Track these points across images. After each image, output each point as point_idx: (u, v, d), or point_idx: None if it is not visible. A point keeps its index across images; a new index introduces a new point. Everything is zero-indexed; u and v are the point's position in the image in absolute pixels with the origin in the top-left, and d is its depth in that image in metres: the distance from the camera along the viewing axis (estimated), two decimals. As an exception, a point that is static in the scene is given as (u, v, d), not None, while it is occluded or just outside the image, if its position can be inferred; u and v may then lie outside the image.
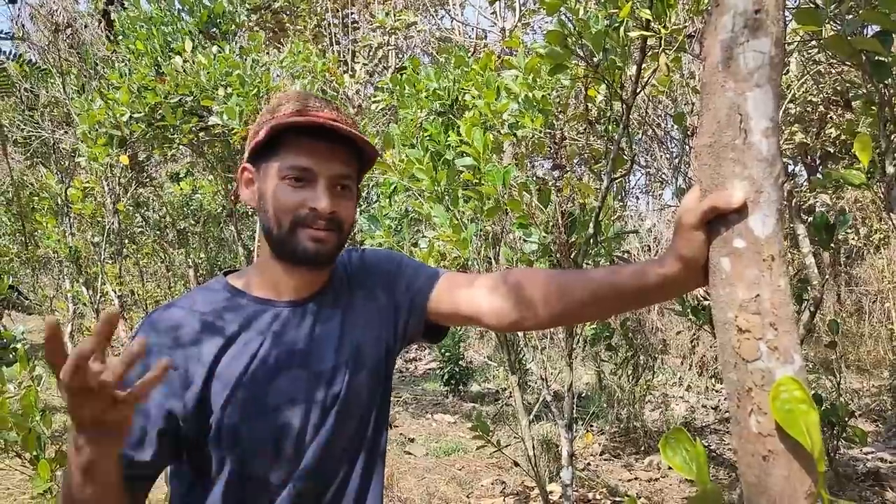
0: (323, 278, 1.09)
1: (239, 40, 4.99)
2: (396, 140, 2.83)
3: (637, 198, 10.46)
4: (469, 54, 3.19)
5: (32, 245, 7.73)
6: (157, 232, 7.69)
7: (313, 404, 1.01)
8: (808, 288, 2.24)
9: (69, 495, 0.87)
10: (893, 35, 1.23)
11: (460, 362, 6.27)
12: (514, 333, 2.98)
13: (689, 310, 2.37)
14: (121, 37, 4.59)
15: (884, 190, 1.75)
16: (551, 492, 3.41)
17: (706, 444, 4.44)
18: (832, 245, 1.92)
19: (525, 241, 2.34)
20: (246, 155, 1.07)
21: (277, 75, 4.67)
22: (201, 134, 4.60)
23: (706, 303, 2.60)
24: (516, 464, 2.95)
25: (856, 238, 6.85)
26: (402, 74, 3.40)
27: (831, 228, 1.88)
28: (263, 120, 1.03)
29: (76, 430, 0.80)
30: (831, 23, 1.38)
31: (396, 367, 6.79)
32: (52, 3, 6.68)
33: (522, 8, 6.79)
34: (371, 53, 8.69)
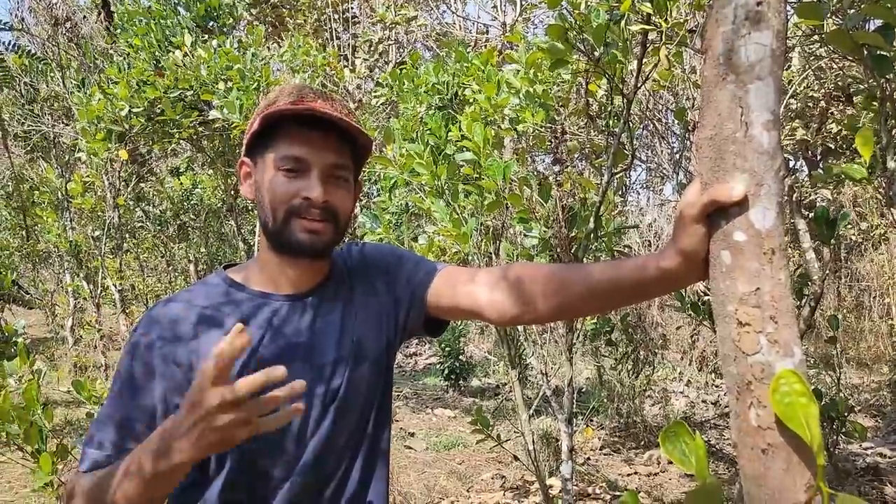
0: (322, 272, 1.09)
1: (237, 34, 4.98)
2: (397, 134, 2.83)
3: (638, 193, 10.45)
4: (470, 49, 3.18)
5: (33, 239, 7.74)
6: (158, 226, 7.69)
7: (314, 398, 1.01)
8: (809, 283, 2.23)
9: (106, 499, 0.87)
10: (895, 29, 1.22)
11: (460, 357, 6.28)
12: (514, 328, 2.98)
13: (688, 305, 2.37)
14: (120, 31, 4.58)
15: (885, 185, 1.75)
16: (551, 486, 3.42)
17: (706, 439, 4.45)
18: (833, 240, 1.91)
19: (525, 235, 2.34)
20: (243, 149, 1.07)
21: (277, 69, 4.66)
22: (201, 128, 4.60)
23: (706, 298, 2.60)
24: (516, 458, 2.95)
25: (856, 233, 6.85)
26: (401, 69, 3.39)
27: (832, 223, 1.87)
28: (258, 112, 1.03)
29: (188, 443, 0.79)
30: (833, 17, 1.38)
31: (396, 361, 6.80)
32: (51, -4, 6.67)
33: (523, 2, 6.77)
34: (371, 48, 8.67)
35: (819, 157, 5.41)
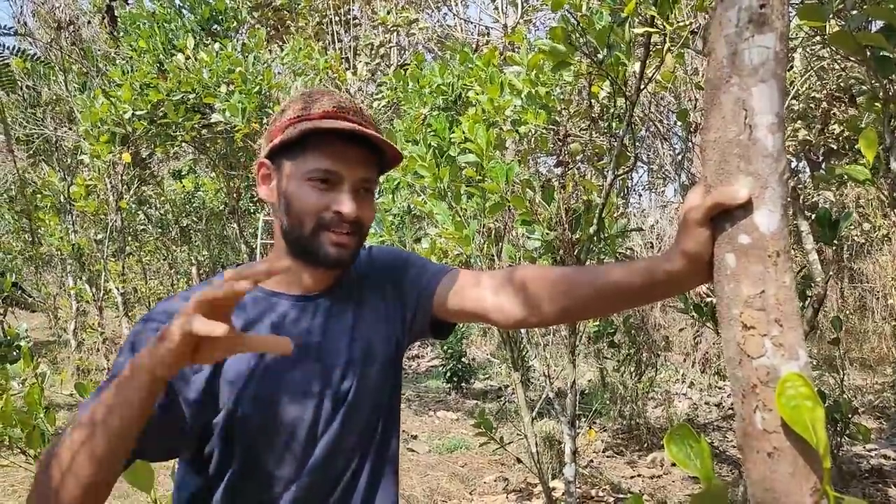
0: (333, 275, 1.09)
1: (241, 37, 4.99)
2: (399, 136, 2.83)
3: (640, 195, 10.45)
4: (472, 51, 3.18)
5: (36, 242, 7.75)
6: (160, 229, 7.70)
7: (324, 399, 1.01)
8: (812, 285, 2.23)
9: (66, 453, 0.79)
10: (898, 30, 1.22)
11: (463, 359, 6.28)
12: (516, 331, 2.98)
13: (691, 307, 2.37)
14: (123, 34, 4.60)
15: (888, 186, 1.75)
16: (554, 488, 3.41)
17: (709, 441, 4.44)
18: (835, 242, 1.91)
19: (528, 238, 2.34)
20: (265, 150, 1.05)
21: (279, 72, 4.67)
22: (203, 131, 4.61)
23: (709, 300, 2.60)
24: (519, 461, 2.95)
25: (859, 234, 6.84)
26: (405, 70, 3.40)
27: (835, 224, 1.87)
28: (290, 118, 1.01)
29: (148, 361, 0.75)
30: (835, 18, 1.37)
31: (399, 364, 6.78)
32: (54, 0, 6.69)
33: (525, 4, 6.78)
34: (373, 51, 8.68)
35: (821, 158, 5.41)
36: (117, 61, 5.07)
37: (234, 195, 6.07)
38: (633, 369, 4.90)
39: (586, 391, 5.80)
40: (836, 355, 4.89)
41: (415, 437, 4.93)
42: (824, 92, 4.02)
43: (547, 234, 2.29)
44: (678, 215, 0.83)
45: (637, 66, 2.02)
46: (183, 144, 5.12)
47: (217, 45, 4.24)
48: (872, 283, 7.09)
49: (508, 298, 1.02)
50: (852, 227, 6.49)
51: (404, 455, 4.47)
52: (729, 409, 5.25)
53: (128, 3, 4.99)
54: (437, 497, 3.78)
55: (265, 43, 4.65)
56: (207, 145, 5.18)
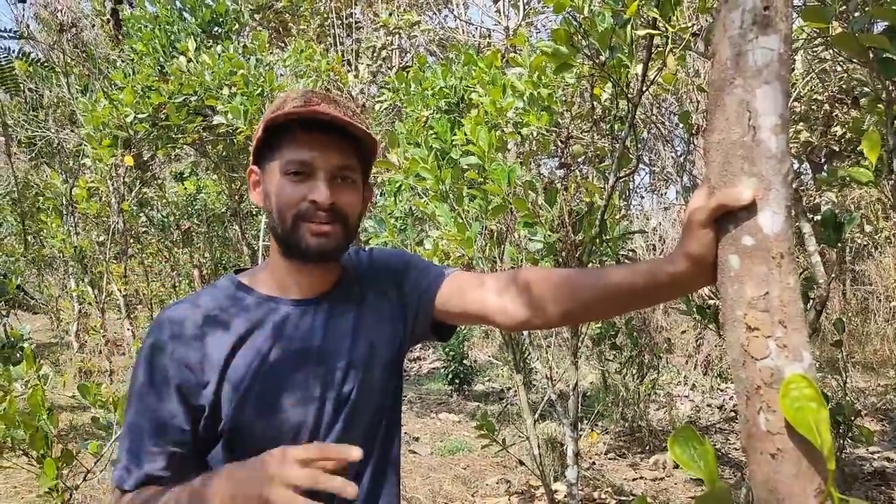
0: (333, 276, 1.09)
1: (242, 40, 5.00)
2: (401, 139, 2.83)
3: (642, 197, 10.45)
4: (476, 53, 3.19)
5: (38, 245, 7.76)
6: (162, 231, 7.70)
7: (326, 402, 1.01)
8: (814, 287, 2.23)
9: None
10: (901, 32, 1.22)
11: (464, 361, 6.27)
12: (518, 332, 2.97)
13: (694, 308, 2.37)
14: (125, 37, 4.61)
15: (890, 188, 1.75)
16: (556, 491, 3.41)
17: (711, 444, 4.43)
18: (838, 244, 1.91)
19: (530, 239, 2.34)
20: (251, 157, 1.07)
21: (281, 74, 4.68)
22: (205, 133, 4.61)
23: (711, 302, 2.60)
24: (521, 463, 2.95)
25: (861, 236, 6.83)
26: (407, 72, 3.40)
27: (839, 226, 1.87)
28: (263, 120, 1.03)
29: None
30: (838, 20, 1.38)
31: (401, 366, 6.76)
32: (56, 2, 6.70)
33: (526, 7, 6.79)
34: (375, 54, 8.68)
35: (823, 160, 5.41)
36: (118, 64, 5.08)
37: (236, 197, 6.07)
38: (635, 371, 4.90)
39: (588, 393, 5.79)
40: (839, 357, 4.88)
41: (416, 440, 4.93)
42: (826, 94, 4.01)
43: (549, 236, 2.29)
44: (682, 217, 0.83)
45: (639, 69, 2.02)
46: (185, 147, 5.13)
47: (219, 48, 4.25)
48: (875, 285, 7.08)
49: (512, 300, 1.02)
50: (855, 229, 6.47)
51: (406, 457, 4.46)
52: (731, 411, 5.24)
53: (131, 6, 5.00)
54: (439, 499, 3.78)
55: (267, 45, 4.66)
56: (209, 148, 5.19)
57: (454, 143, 2.63)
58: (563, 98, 2.76)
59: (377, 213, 2.77)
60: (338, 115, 0.98)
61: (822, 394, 0.64)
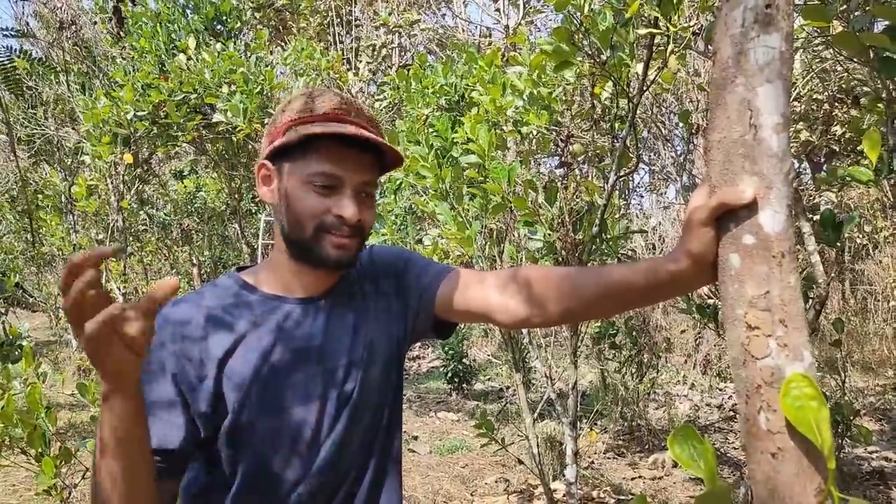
0: (335, 276, 1.09)
1: (244, 38, 4.99)
2: (401, 137, 2.83)
3: (641, 196, 10.45)
4: (477, 52, 3.18)
5: (38, 243, 7.76)
6: (162, 230, 7.70)
7: (327, 401, 1.01)
8: (814, 286, 2.23)
9: (99, 481, 0.81)
10: (902, 31, 1.22)
11: (464, 360, 6.27)
12: (518, 331, 2.97)
13: (694, 307, 2.36)
14: (126, 34, 4.61)
15: (891, 187, 1.75)
16: (555, 490, 3.41)
17: (710, 443, 4.43)
18: (838, 243, 1.90)
19: (530, 238, 2.34)
20: (265, 152, 1.04)
21: (281, 73, 4.67)
22: (205, 132, 4.61)
23: (711, 301, 2.60)
24: (520, 462, 2.95)
25: (861, 236, 6.83)
26: (408, 70, 3.40)
27: (838, 226, 1.87)
28: (291, 119, 1.01)
29: (103, 384, 0.76)
30: (839, 19, 1.37)
31: (400, 364, 6.77)
32: (56, 0, 6.69)
33: (526, 6, 6.78)
34: (374, 52, 8.68)
35: (823, 160, 5.41)
36: (118, 61, 5.07)
37: (236, 195, 6.07)
38: (634, 371, 4.90)
39: (587, 392, 5.80)
40: (838, 357, 4.88)
41: (416, 438, 4.93)
42: (826, 93, 4.01)
43: (549, 234, 2.29)
44: (682, 216, 0.83)
45: (640, 68, 2.02)
46: (184, 145, 5.12)
47: (219, 46, 4.25)
48: (874, 284, 7.08)
49: (513, 298, 1.02)
50: (854, 228, 6.48)
51: (405, 455, 4.46)
52: (730, 410, 5.24)
53: (133, 4, 5.00)
54: (438, 498, 3.78)
55: (267, 44, 4.65)
56: (209, 146, 5.19)
57: (455, 141, 2.63)
58: (564, 97, 2.76)
59: (377, 211, 2.76)
60: (373, 135, 0.99)
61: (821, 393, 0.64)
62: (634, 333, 4.82)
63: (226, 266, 8.20)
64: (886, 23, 1.23)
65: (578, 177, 2.67)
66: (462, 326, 6.32)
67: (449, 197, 2.44)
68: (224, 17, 4.76)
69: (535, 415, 2.79)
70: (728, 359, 0.73)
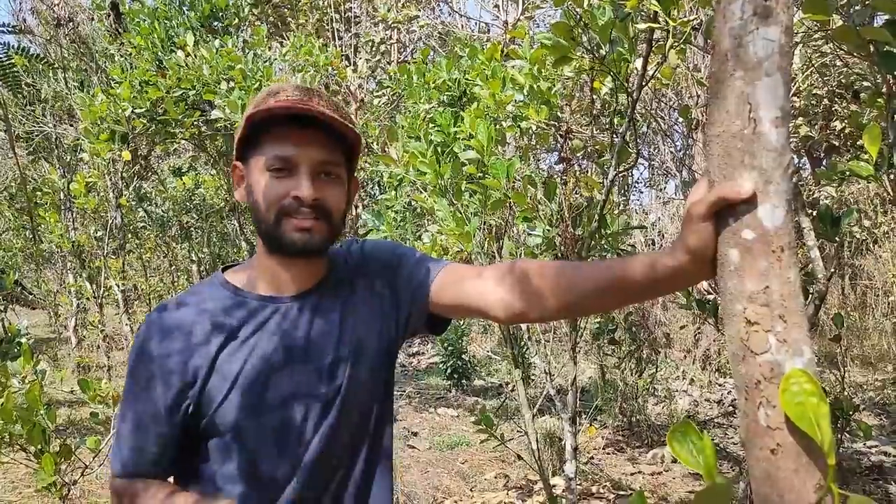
0: (321, 271, 1.08)
1: (242, 34, 4.97)
2: (401, 133, 2.82)
3: (641, 191, 10.44)
4: (480, 48, 3.17)
5: (37, 240, 7.75)
6: (160, 227, 7.68)
7: (315, 398, 1.01)
8: (814, 282, 2.22)
9: None
10: (903, 24, 1.21)
11: (463, 356, 6.27)
12: (517, 327, 2.97)
13: (693, 303, 2.36)
14: (124, 31, 4.59)
15: (891, 182, 1.74)
16: (555, 485, 3.41)
17: (710, 438, 4.44)
18: (836, 238, 1.90)
19: (529, 234, 2.33)
20: (235, 153, 1.06)
21: (280, 69, 4.66)
22: (203, 128, 4.59)
23: (710, 296, 2.59)
24: (520, 457, 2.95)
25: (861, 231, 6.83)
26: (409, 65, 3.39)
27: (837, 221, 1.86)
28: (249, 114, 1.01)
29: None
30: (839, 13, 1.37)
31: (399, 361, 6.77)
32: (53, -4, 6.67)
33: (526, 1, 6.76)
34: (373, 48, 8.66)
35: (823, 155, 5.40)
36: (116, 58, 5.06)
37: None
38: (633, 366, 4.90)
39: (587, 388, 5.80)
40: (838, 352, 4.89)
41: (415, 434, 4.93)
42: (826, 88, 4.00)
43: (548, 230, 2.28)
44: (682, 211, 0.83)
45: (639, 63, 2.01)
46: (183, 142, 5.11)
47: (217, 42, 4.23)
48: (873, 279, 7.08)
49: (510, 293, 1.01)
50: (853, 223, 6.47)
51: (405, 451, 4.47)
52: (729, 405, 5.24)
53: (131, 0, 4.98)
54: (437, 494, 3.78)
55: (265, 40, 4.64)
56: (207, 142, 5.17)
57: (457, 136, 2.62)
58: (563, 92, 2.75)
59: (377, 207, 2.76)
60: (320, 109, 0.96)
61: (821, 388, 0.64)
62: (634, 329, 4.83)
63: (224, 263, 8.19)
64: (887, 17, 1.23)
65: (578, 172, 2.66)
66: (462, 322, 6.32)
67: (448, 193, 2.44)
68: (222, 14, 4.75)
69: (535, 410, 2.79)
70: (727, 354, 0.73)
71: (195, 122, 4.35)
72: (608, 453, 4.42)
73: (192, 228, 7.76)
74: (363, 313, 1.08)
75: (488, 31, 9.17)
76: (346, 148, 1.04)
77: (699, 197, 0.74)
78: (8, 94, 6.53)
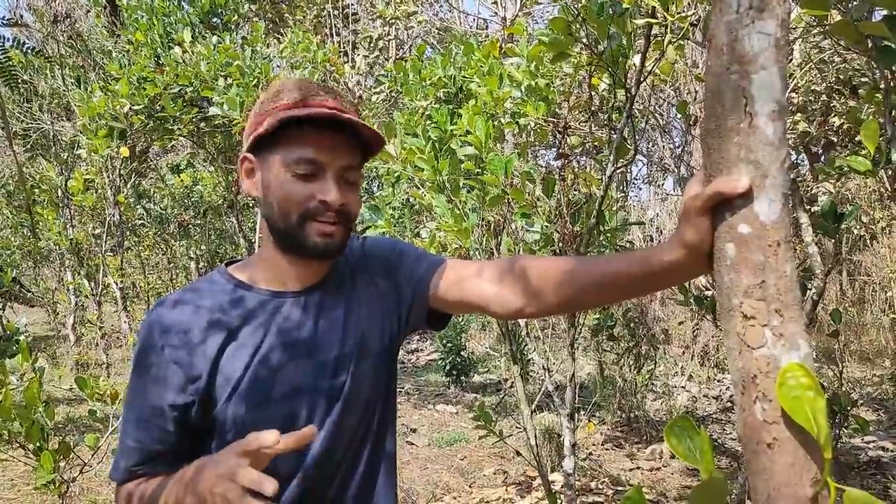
0: (324, 268, 1.08)
1: (241, 30, 4.96)
2: (399, 129, 2.82)
3: (639, 188, 10.45)
4: (477, 44, 3.17)
5: (35, 237, 7.74)
6: (159, 224, 7.68)
7: (319, 394, 1.01)
8: (812, 277, 2.23)
9: None
10: (900, 19, 1.21)
11: (462, 353, 6.28)
12: (515, 323, 2.97)
13: (691, 298, 2.36)
14: (121, 27, 4.57)
15: (889, 178, 1.74)
16: (553, 481, 3.42)
17: (708, 434, 4.45)
18: (836, 234, 1.90)
19: (527, 230, 2.33)
20: (246, 145, 1.04)
21: (278, 66, 4.65)
22: (202, 125, 4.59)
23: (708, 292, 2.60)
24: (518, 454, 2.95)
25: (858, 227, 6.83)
26: (406, 62, 3.39)
27: (840, 217, 1.86)
28: (264, 110, 1.01)
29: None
30: (837, 8, 1.36)
31: (398, 357, 6.78)
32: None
33: (523, -3, 6.75)
34: (371, 45, 8.64)
35: (821, 151, 5.40)
36: (113, 54, 5.05)
37: (233, 189, 6.05)
38: (632, 362, 4.91)
39: (585, 384, 5.81)
40: (836, 347, 4.89)
41: (414, 431, 4.94)
42: (824, 84, 3.99)
43: (547, 227, 2.28)
44: (679, 205, 0.83)
45: (637, 58, 2.01)
46: (181, 138, 5.10)
47: (215, 38, 4.22)
48: (871, 275, 7.09)
49: (509, 288, 1.01)
50: (851, 219, 6.47)
51: (403, 448, 4.47)
52: (727, 401, 5.25)
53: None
54: (437, 490, 3.79)
55: (263, 36, 4.63)
56: (205, 139, 5.16)
57: (453, 132, 2.61)
58: (561, 88, 2.75)
59: (375, 204, 2.76)
60: (346, 114, 0.97)
61: (818, 383, 0.64)
62: (632, 325, 4.83)
63: (222, 259, 8.18)
64: (885, 12, 1.23)
65: (576, 168, 2.66)
66: (460, 319, 6.33)
67: (446, 189, 2.43)
68: (220, 10, 4.74)
69: (534, 407, 2.80)
70: (724, 349, 0.73)
71: (193, 119, 4.34)
72: (607, 449, 4.43)
73: (190, 225, 7.76)
74: (366, 309, 1.08)
75: (486, 27, 9.16)
76: (362, 151, 1.06)
77: (695, 191, 0.74)
78: (5, 91, 6.52)
